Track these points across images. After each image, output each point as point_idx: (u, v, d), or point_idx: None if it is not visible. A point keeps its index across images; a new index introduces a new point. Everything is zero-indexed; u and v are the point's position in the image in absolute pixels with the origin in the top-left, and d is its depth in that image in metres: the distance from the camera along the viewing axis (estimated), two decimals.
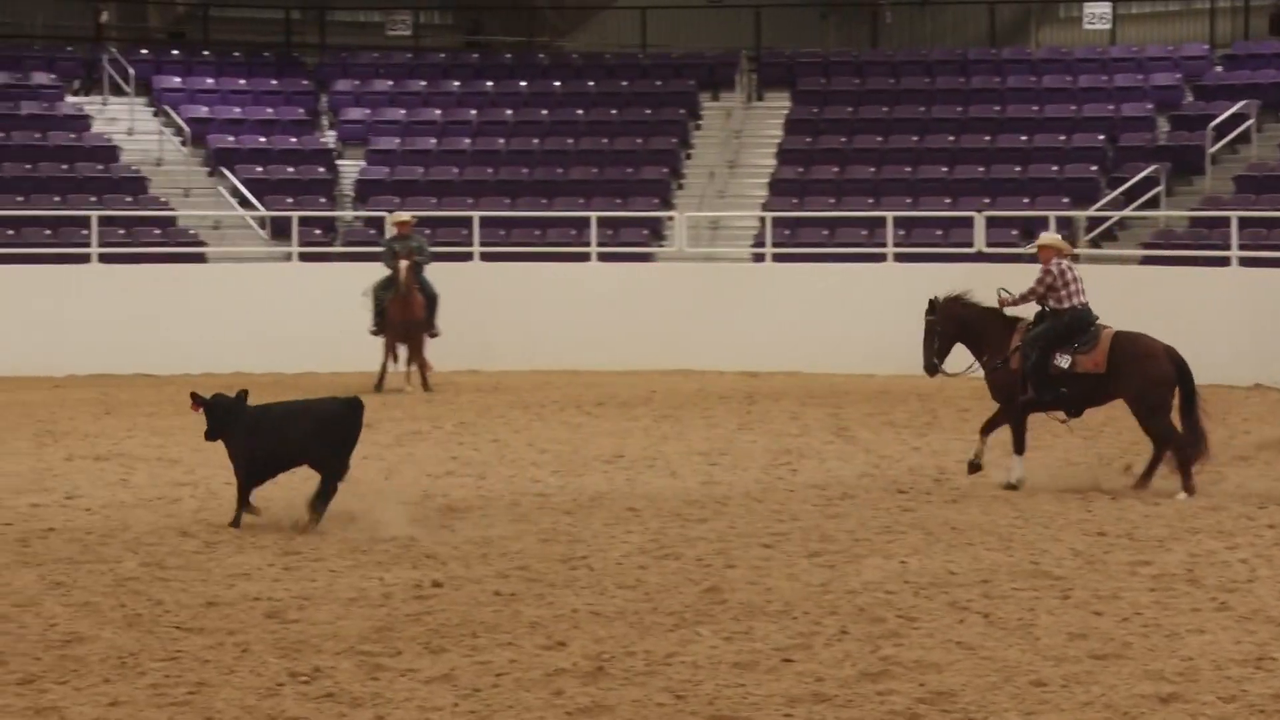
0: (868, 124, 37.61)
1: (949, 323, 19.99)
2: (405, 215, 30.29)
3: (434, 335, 29.27)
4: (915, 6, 42.83)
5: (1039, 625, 12.65)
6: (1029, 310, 19.71)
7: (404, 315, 28.92)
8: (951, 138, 36.87)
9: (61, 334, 31.46)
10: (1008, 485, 19.02)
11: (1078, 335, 19.14)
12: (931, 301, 20.21)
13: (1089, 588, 13.91)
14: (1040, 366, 19.08)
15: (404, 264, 28.77)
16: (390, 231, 30.49)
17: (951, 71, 38.94)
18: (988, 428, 19.53)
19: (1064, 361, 19.03)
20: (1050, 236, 20.78)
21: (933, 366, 20.15)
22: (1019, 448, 19.26)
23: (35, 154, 35.71)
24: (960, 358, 20.01)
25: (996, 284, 29.49)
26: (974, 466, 19.36)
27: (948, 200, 35.07)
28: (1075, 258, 20.20)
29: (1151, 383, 18.94)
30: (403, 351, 29.19)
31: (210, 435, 17.13)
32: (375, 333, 29.42)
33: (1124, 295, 31.32)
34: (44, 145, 36.06)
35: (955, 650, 11.91)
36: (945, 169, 36.14)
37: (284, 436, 17.00)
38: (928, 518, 17.07)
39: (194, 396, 17.23)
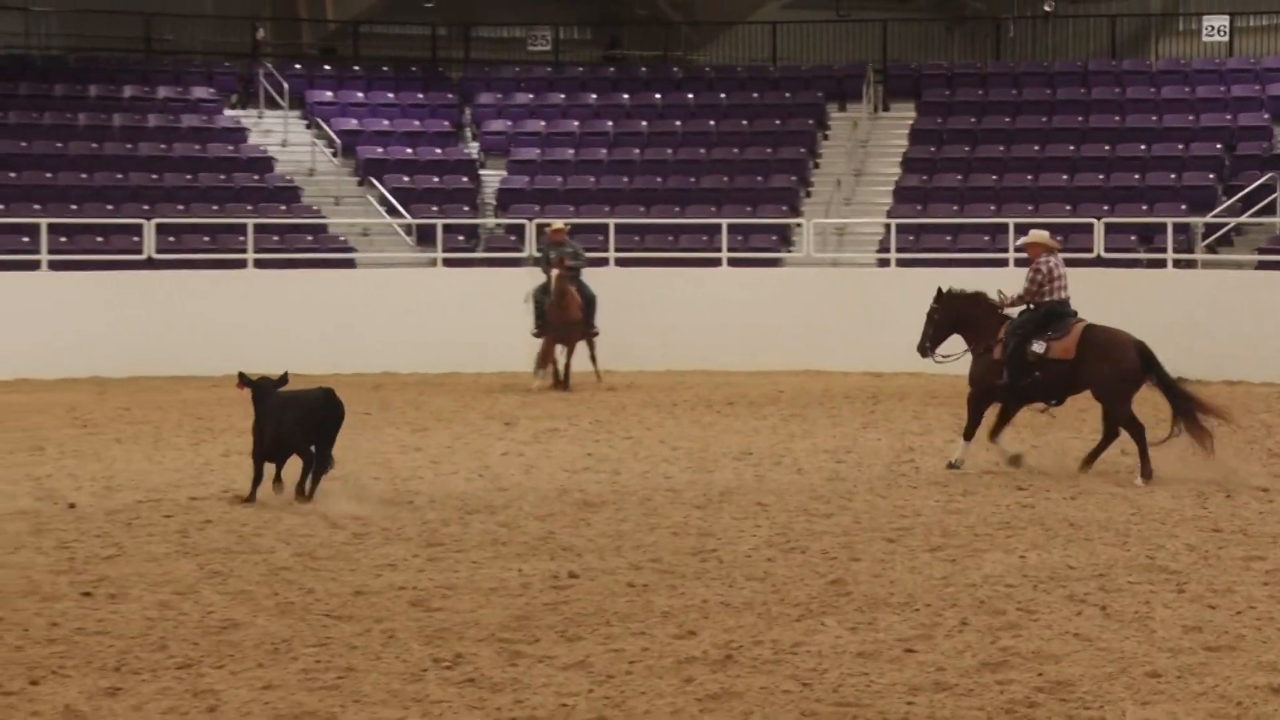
0: (990, 133, 37.47)
1: (947, 312, 20.57)
2: (559, 223, 30.57)
3: (593, 335, 29.48)
4: (1038, 20, 42.59)
5: (1154, 618, 12.54)
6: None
7: (561, 317, 29.21)
8: (1072, 147, 36.67)
9: (218, 335, 31.72)
10: (950, 465, 19.91)
11: (1054, 325, 19.71)
12: (939, 291, 20.72)
13: (1204, 582, 13.78)
14: (1017, 351, 19.66)
15: (555, 271, 29.04)
16: (524, 238, 30.60)
17: (1072, 83, 38.70)
18: (995, 431, 20.15)
19: (1039, 347, 19.61)
20: (1039, 234, 20.90)
21: (924, 349, 20.84)
22: (970, 433, 20.07)
23: (195, 165, 36.11)
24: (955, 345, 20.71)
25: (1115, 288, 29.51)
26: (1014, 460, 19.87)
27: (1068, 207, 34.86)
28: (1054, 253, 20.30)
29: (1116, 373, 19.43)
30: (563, 352, 29.56)
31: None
32: (537, 334, 29.68)
33: (1239, 299, 31.19)
34: (203, 156, 36.45)
35: (1073, 641, 11.84)
36: (1065, 177, 35.93)
37: (281, 422, 17.49)
38: (1046, 514, 16.97)
39: (241, 376, 18.14)
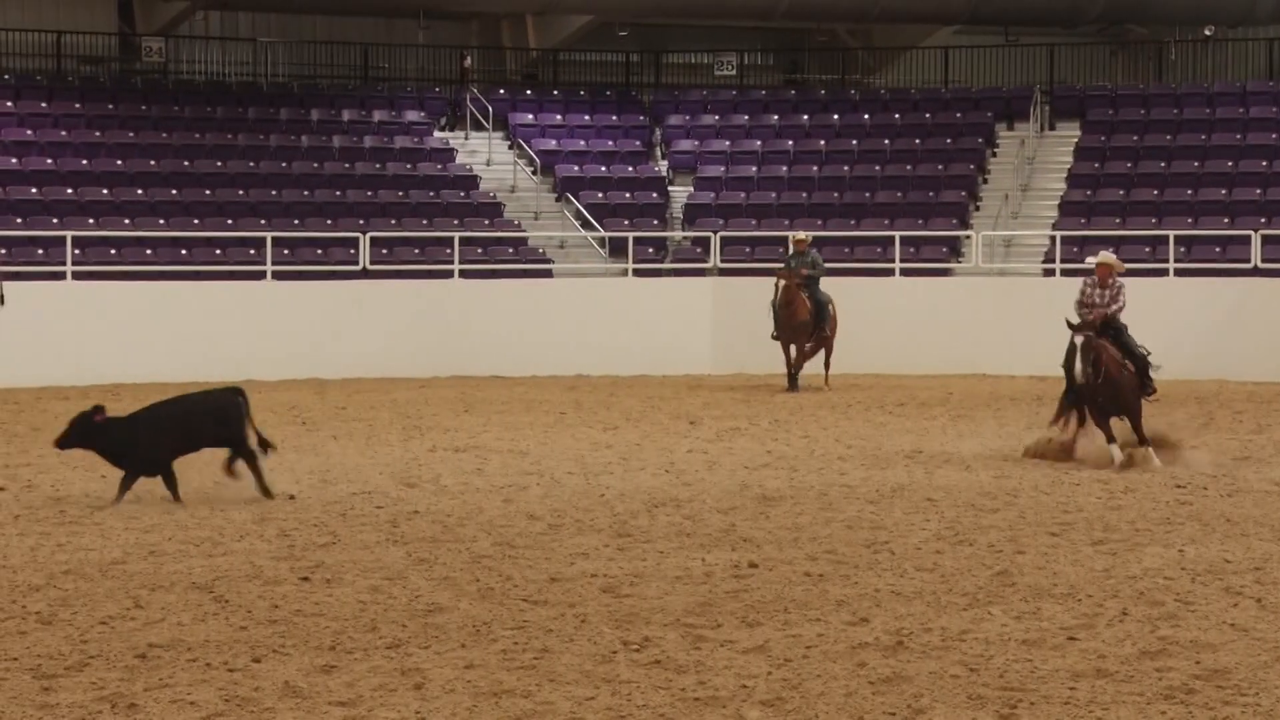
0: (1151, 150, 37.02)
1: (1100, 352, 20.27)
2: (802, 234, 30.71)
3: (822, 339, 29.65)
4: (1198, 43, 42.06)
5: None
6: None
7: (789, 321, 29.43)
8: (1230, 163, 36.12)
9: (426, 340, 32.07)
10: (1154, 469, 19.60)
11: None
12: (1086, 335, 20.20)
13: None
14: (1144, 368, 20.37)
15: (783, 281, 29.35)
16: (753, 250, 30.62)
17: (1231, 103, 38.13)
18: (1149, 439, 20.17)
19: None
20: (1108, 256, 21.20)
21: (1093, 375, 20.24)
22: (1147, 439, 20.18)
23: (407, 182, 36.48)
24: None
25: (1271, 297, 29.11)
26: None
27: (1226, 220, 34.39)
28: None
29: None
30: (794, 351, 29.76)
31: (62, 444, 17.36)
32: (775, 338, 29.72)
33: None
34: (414, 175, 36.81)
35: (1229, 631, 11.65)
36: (1224, 191, 35.42)
37: (188, 427, 17.41)
38: (1204, 510, 16.72)
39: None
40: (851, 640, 11.41)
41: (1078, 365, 19.83)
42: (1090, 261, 21.28)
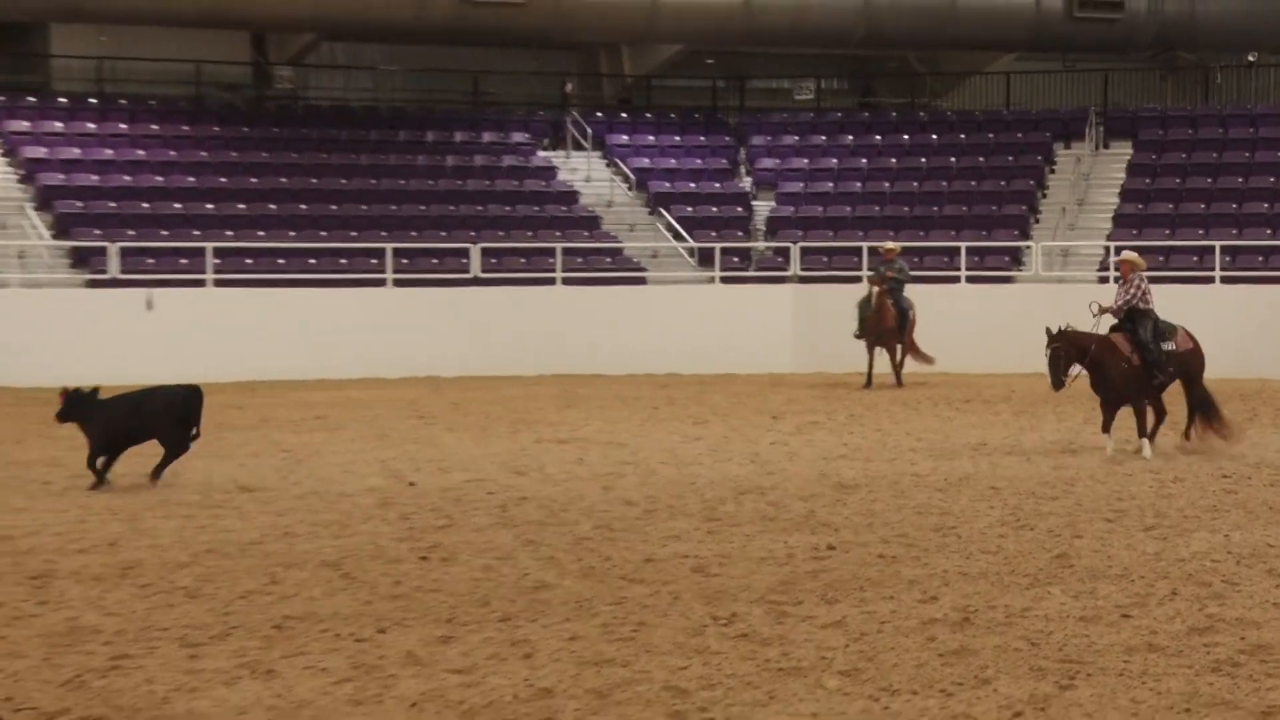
0: (1199, 167, 36.75)
1: (1076, 349, 20.21)
2: (891, 244, 30.68)
3: (902, 343, 29.69)
4: (1242, 69, 41.71)
5: None
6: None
7: (877, 326, 29.44)
8: (1272, 179, 35.86)
9: (532, 341, 32.20)
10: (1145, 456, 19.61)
11: (1163, 328, 20.40)
12: (1049, 331, 20.31)
13: None
14: (1156, 359, 20.11)
15: (876, 288, 29.38)
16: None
17: (1273, 123, 37.83)
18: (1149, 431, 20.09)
19: (1170, 346, 20.26)
20: (1131, 254, 21.34)
21: (1061, 382, 20.31)
22: (1148, 431, 20.07)
23: (513, 198, 36.63)
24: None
25: None
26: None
27: (1268, 231, 34.12)
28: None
29: (1198, 361, 20.46)
30: (881, 354, 29.72)
31: (61, 418, 17.55)
32: (858, 336, 29.70)
33: None
34: (520, 191, 36.96)
35: (1272, 610, 11.56)
36: (1266, 205, 35.14)
37: (139, 416, 17.41)
38: (1249, 498, 16.58)
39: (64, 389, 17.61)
40: (922, 616, 11.40)
41: (1049, 375, 20.15)
42: (1118, 258, 21.51)
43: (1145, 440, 19.94)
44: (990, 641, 10.69)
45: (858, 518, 15.47)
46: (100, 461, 17.39)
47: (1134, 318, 20.40)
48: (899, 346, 29.74)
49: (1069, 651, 10.44)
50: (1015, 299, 33.16)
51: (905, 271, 30.14)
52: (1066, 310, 31.97)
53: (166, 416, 17.45)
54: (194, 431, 17.50)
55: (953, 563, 13.31)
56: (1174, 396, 20.75)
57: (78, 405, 17.40)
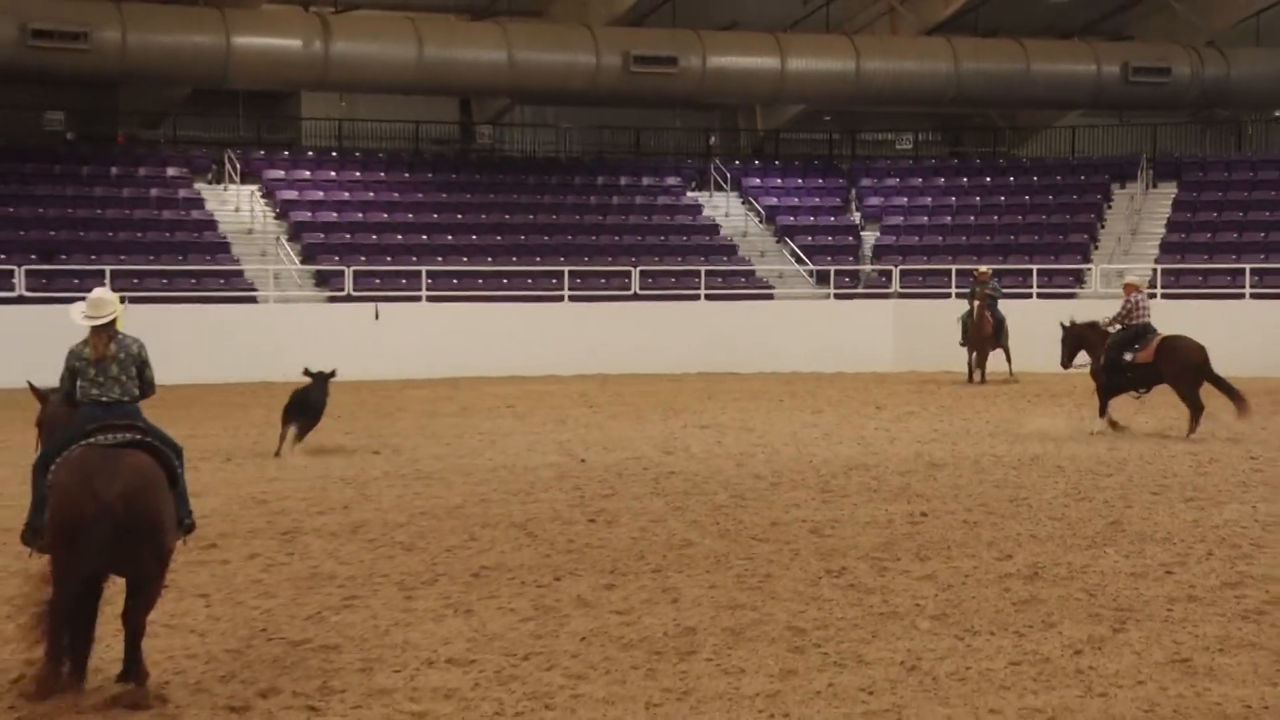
0: (1232, 204, 36.04)
1: (1071, 337, 21.20)
2: (984, 268, 30.47)
3: (1004, 346, 29.18)
4: (1270, 122, 40.85)
5: None
6: None
7: (978, 334, 29.16)
8: None
9: (680, 345, 32.22)
10: (1092, 432, 20.04)
11: (1139, 340, 20.07)
12: (1062, 324, 21.41)
13: None
14: (1113, 360, 20.11)
15: (977, 302, 29.11)
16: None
17: None
18: (1102, 409, 20.40)
19: (1129, 355, 20.02)
20: (1133, 277, 21.92)
21: (1067, 362, 21.32)
22: (1101, 411, 20.37)
23: (666, 230, 36.69)
24: (1081, 358, 21.10)
25: None
26: (1115, 426, 20.24)
27: None
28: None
29: (1183, 367, 19.70)
30: (978, 358, 29.43)
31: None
32: (962, 344, 29.42)
33: None
34: (672, 224, 37.02)
35: None
36: None
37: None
38: (1273, 476, 16.19)
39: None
40: (999, 571, 11.26)
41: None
42: (1125, 281, 21.71)
43: (1099, 417, 20.38)
44: (1055, 592, 10.54)
45: (946, 490, 15.31)
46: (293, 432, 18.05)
47: (1125, 329, 20.40)
48: (991, 351, 29.45)
49: (1121, 601, 10.27)
50: (1078, 312, 32.52)
51: (998, 290, 29.88)
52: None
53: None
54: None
55: (1024, 527, 13.13)
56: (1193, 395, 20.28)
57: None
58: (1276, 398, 25.69)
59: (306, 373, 18.44)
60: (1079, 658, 8.88)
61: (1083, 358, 20.95)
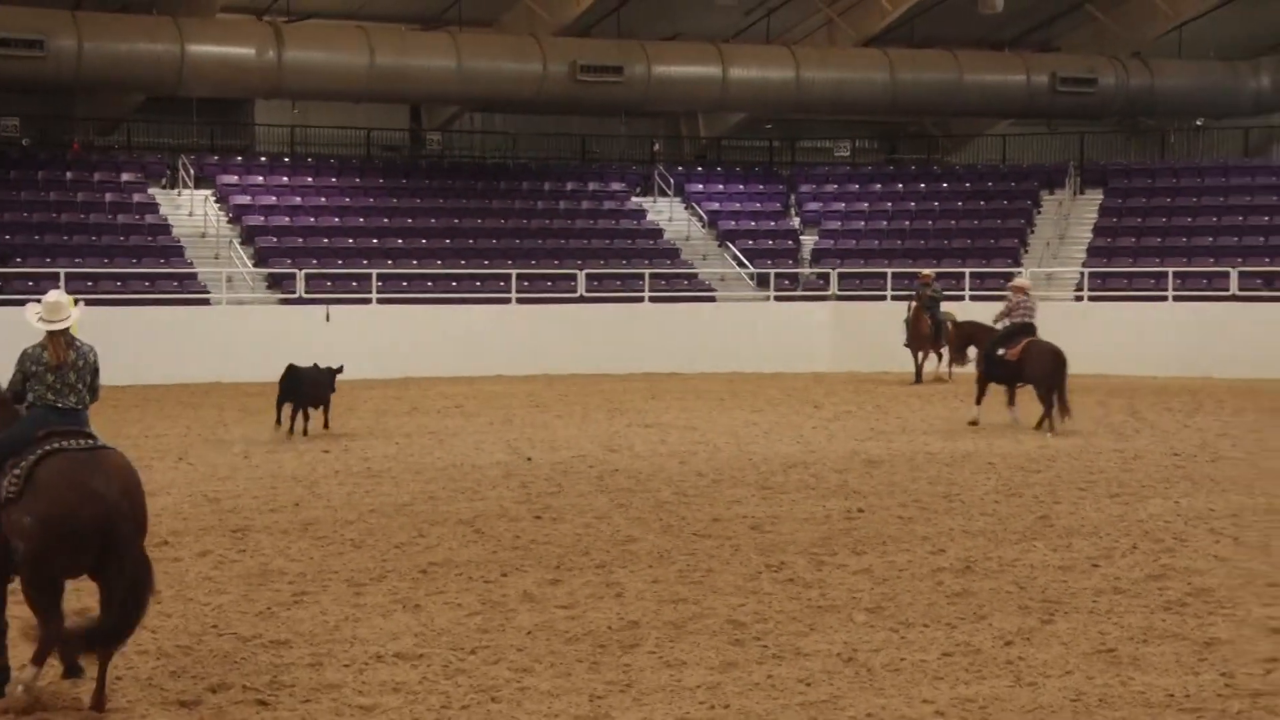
0: (1156, 210, 36.35)
1: (962, 334, 23.05)
2: (928, 271, 30.53)
3: (940, 348, 29.14)
4: (1191, 131, 41.26)
5: (1273, 545, 12.01)
6: None
7: (915, 334, 29.31)
8: (1215, 219, 35.43)
9: (625, 346, 32.15)
10: (970, 422, 21.02)
11: (1014, 339, 20.80)
12: (957, 321, 23.20)
13: None
14: (990, 355, 21.16)
15: (914, 304, 29.23)
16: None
17: (1216, 175, 37.32)
18: (978, 399, 21.44)
19: (1002, 352, 20.83)
20: (1020, 280, 22.63)
21: (959, 358, 23.36)
22: (978, 401, 21.40)
23: (611, 234, 36.59)
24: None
25: (1245, 315, 28.52)
26: (973, 423, 21.03)
27: (1211, 260, 33.56)
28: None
29: (1040, 370, 20.37)
30: (923, 357, 29.57)
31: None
32: (906, 345, 29.45)
33: None
34: (617, 228, 36.92)
35: (1213, 561, 11.40)
36: (1210, 239, 34.68)
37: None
38: (1194, 472, 16.34)
39: None
40: (932, 565, 11.30)
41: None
42: (1011, 284, 22.51)
43: (976, 406, 21.35)
44: (986, 585, 10.58)
45: (881, 487, 15.36)
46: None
47: (1008, 326, 21.31)
48: (929, 352, 29.54)
49: (1049, 593, 10.32)
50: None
51: (940, 292, 29.96)
52: (1049, 323, 31.92)
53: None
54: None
55: (957, 522, 13.19)
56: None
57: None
58: (1199, 397, 25.94)
59: (316, 366, 20.07)
60: (1009, 648, 8.92)
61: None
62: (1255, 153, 40.30)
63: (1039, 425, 20.24)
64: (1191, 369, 30.50)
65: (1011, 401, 21.19)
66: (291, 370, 19.91)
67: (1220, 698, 7.98)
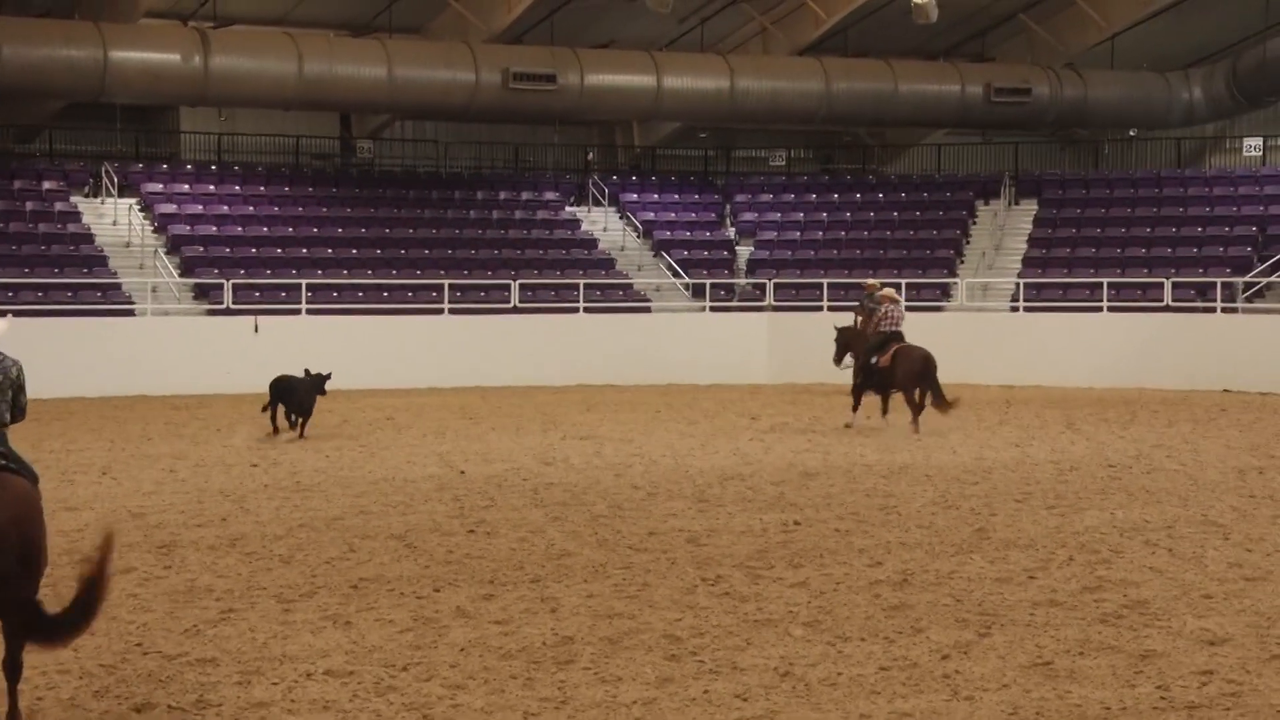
0: (1090, 220, 36.73)
1: (842, 340, 24.25)
2: (874, 281, 30.47)
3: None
4: (1124, 141, 41.75)
5: (1207, 557, 12.14)
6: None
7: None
8: (1149, 229, 35.80)
9: (559, 358, 32.13)
10: (845, 425, 22.27)
11: (885, 347, 22.12)
12: (836, 328, 24.38)
13: (1243, 532, 13.31)
14: (865, 362, 22.38)
15: (860, 316, 28.79)
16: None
17: (1149, 185, 37.81)
18: (855, 405, 22.65)
19: (875, 360, 22.17)
20: (887, 290, 23.78)
21: (836, 362, 24.46)
22: (854, 408, 22.70)
23: (545, 244, 36.56)
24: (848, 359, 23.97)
25: (1179, 326, 28.93)
26: (848, 426, 22.31)
27: (1145, 270, 34.00)
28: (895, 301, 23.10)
29: (906, 374, 21.78)
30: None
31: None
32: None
33: (1271, 335, 30.34)
34: (551, 238, 36.89)
35: (1148, 573, 11.51)
36: (1144, 250, 35.06)
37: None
38: (1130, 484, 16.52)
39: None
40: (869, 578, 11.35)
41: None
42: (878, 295, 23.91)
43: (851, 413, 22.64)
44: (924, 598, 10.64)
45: (818, 499, 15.42)
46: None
47: (880, 335, 22.51)
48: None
49: (986, 606, 10.39)
50: (945, 324, 33.02)
51: None
52: (985, 334, 32.35)
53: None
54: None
55: (894, 535, 13.25)
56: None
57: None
58: (1133, 408, 26.25)
59: (306, 373, 21.27)
60: (946, 662, 8.97)
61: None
62: (1188, 163, 40.84)
63: (913, 424, 21.64)
64: (1126, 380, 30.90)
65: (885, 410, 22.55)
66: (284, 379, 21.29)
67: (1156, 710, 8.06)
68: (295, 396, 21.15)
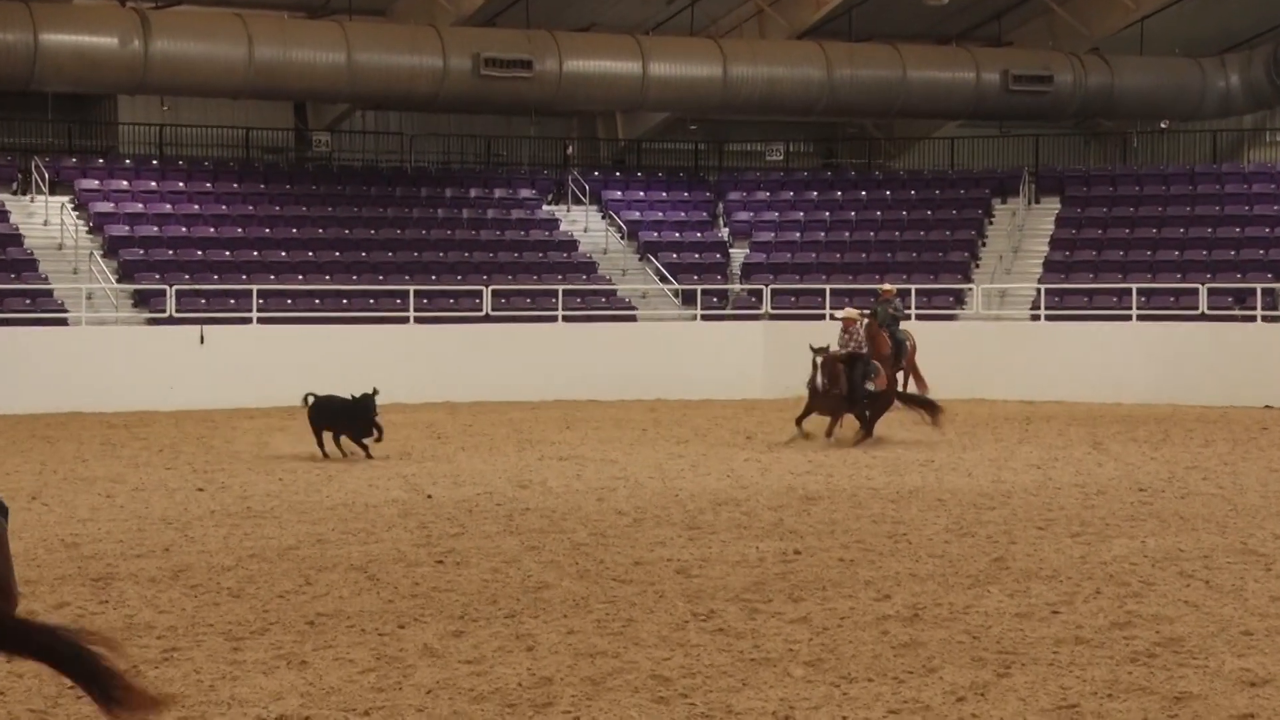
0: (1118, 220, 36.84)
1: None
2: (888, 286, 30.64)
3: (901, 370, 29.34)
4: (1156, 134, 41.85)
5: (1247, 590, 12.16)
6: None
7: (876, 356, 29.01)
8: (1181, 230, 35.92)
9: (536, 370, 32.15)
10: (790, 440, 23.21)
11: (870, 372, 23.61)
12: (812, 348, 24.02)
13: None
14: (859, 389, 23.47)
15: (868, 321, 28.89)
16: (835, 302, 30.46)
17: (1182, 181, 37.93)
18: (803, 419, 23.62)
19: (870, 386, 23.43)
20: (850, 311, 24.70)
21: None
22: (799, 422, 23.67)
23: (521, 246, 36.62)
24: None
25: (1215, 336, 29.07)
26: (795, 441, 23.18)
27: (1178, 275, 34.11)
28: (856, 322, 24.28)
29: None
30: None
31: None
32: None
33: None
34: (527, 240, 36.95)
35: (1183, 607, 11.51)
36: (1176, 253, 35.18)
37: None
38: (1162, 509, 16.55)
39: None
40: (877, 613, 11.35)
41: (818, 378, 23.21)
42: (838, 316, 24.80)
43: (828, 436, 23.45)
44: (937, 635, 10.63)
45: (820, 526, 15.42)
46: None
47: (852, 361, 23.44)
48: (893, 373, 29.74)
49: (1005, 644, 10.39)
50: (958, 334, 33.23)
51: (900, 310, 30.19)
52: (1003, 344, 32.45)
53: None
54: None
55: (904, 565, 13.26)
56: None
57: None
58: (1166, 426, 26.32)
59: (353, 397, 21.43)
60: (961, 705, 8.96)
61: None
62: (1224, 158, 41.00)
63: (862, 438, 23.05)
64: (1158, 395, 30.98)
65: (830, 432, 23.55)
66: (326, 400, 21.64)
67: None
68: (354, 420, 21.38)
